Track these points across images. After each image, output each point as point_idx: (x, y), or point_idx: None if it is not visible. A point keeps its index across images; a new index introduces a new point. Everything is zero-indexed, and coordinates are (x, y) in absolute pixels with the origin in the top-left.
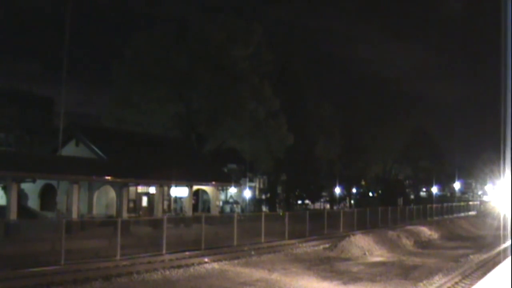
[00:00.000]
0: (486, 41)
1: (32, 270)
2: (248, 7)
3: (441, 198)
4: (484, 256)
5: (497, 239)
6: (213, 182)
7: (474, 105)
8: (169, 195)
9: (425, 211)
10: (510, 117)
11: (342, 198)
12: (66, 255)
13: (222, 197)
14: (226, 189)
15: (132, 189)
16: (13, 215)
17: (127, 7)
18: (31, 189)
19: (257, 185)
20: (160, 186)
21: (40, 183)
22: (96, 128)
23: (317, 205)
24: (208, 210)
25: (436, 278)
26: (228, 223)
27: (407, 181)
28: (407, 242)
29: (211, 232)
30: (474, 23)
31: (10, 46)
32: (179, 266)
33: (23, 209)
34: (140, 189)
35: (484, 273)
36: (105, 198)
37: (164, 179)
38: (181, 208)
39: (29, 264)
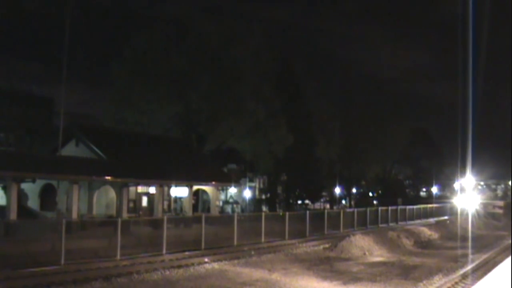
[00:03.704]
0: (485, 41)
1: (32, 270)
2: (248, 7)
3: (441, 198)
4: (484, 256)
5: (499, 239)
6: (213, 182)
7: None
8: (169, 195)
9: (426, 211)
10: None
11: (342, 198)
12: (66, 255)
13: (222, 197)
14: (226, 189)
15: (132, 189)
16: (13, 215)
17: (127, 7)
18: (31, 189)
19: (257, 185)
20: (160, 186)
21: (40, 183)
22: (96, 128)
23: (317, 205)
24: (208, 210)
25: (436, 278)
26: (228, 223)
27: (407, 181)
28: (407, 242)
29: (211, 232)
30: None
31: (11, 46)
32: (179, 266)
33: (23, 209)
34: (140, 189)
35: (484, 273)
36: (105, 198)
37: (164, 179)
38: (181, 208)
39: (29, 264)
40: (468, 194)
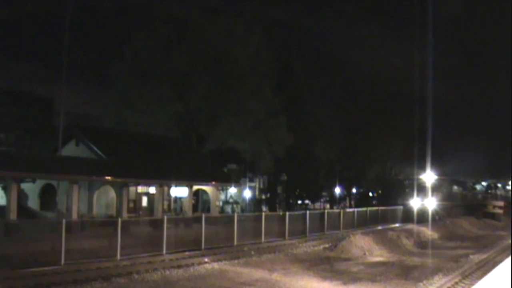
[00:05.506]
0: (485, 41)
1: (32, 270)
2: (248, 7)
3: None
4: (484, 256)
5: (499, 239)
6: (213, 182)
7: (472, 104)
8: (169, 195)
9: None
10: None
11: (342, 198)
12: (66, 255)
13: (222, 197)
14: (226, 189)
15: (132, 189)
16: (13, 215)
17: (127, 7)
18: (31, 189)
19: (257, 185)
20: (160, 186)
21: (40, 183)
22: (96, 128)
23: (317, 205)
24: (208, 210)
25: (436, 278)
26: (228, 223)
27: (407, 181)
28: (407, 242)
29: (211, 232)
30: (473, 24)
31: (11, 46)
32: (179, 266)
33: (23, 209)
34: (140, 189)
35: (484, 273)
36: (105, 198)
37: (164, 179)
38: (181, 208)
39: (29, 264)
40: (427, 193)
